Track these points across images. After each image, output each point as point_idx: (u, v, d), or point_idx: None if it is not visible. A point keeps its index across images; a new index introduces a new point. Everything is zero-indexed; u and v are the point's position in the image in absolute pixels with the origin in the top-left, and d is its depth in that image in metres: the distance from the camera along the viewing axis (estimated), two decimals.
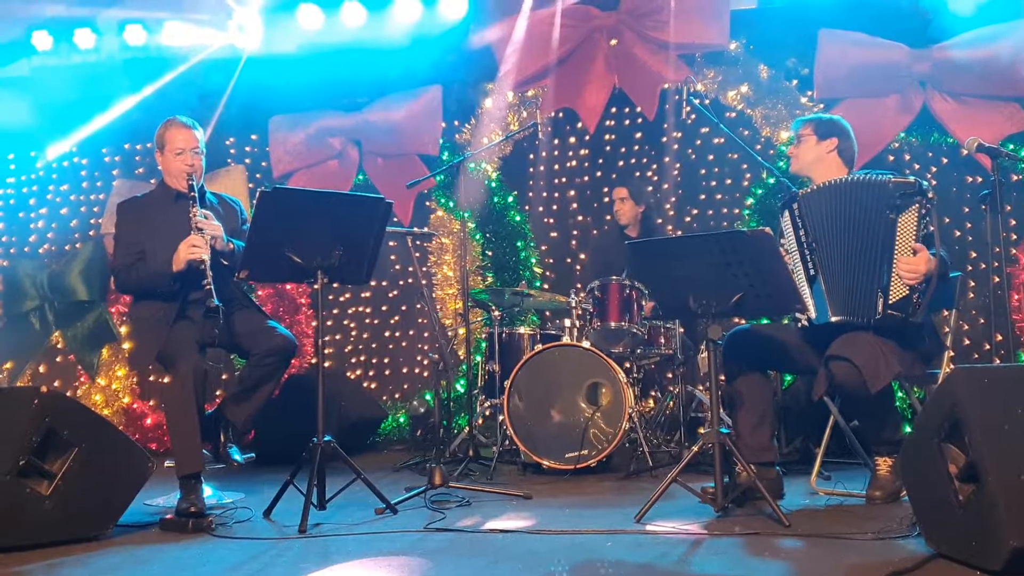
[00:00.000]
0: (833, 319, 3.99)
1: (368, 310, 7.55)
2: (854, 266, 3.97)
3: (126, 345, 7.20)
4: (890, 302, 3.89)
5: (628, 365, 5.64)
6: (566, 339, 5.54)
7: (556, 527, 3.76)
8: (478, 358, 6.36)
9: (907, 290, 3.88)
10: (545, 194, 7.38)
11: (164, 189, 4.59)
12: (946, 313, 4.54)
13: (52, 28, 7.30)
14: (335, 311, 7.50)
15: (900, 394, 5.76)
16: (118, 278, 4.49)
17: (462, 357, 6.71)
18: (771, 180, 6.57)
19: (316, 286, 4.14)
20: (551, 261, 7.39)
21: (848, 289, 3.98)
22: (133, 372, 7.31)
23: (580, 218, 7.41)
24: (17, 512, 3.55)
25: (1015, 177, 6.39)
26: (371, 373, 7.50)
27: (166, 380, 4.36)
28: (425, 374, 7.35)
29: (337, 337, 7.50)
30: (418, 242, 7.14)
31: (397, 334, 7.50)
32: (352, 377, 7.42)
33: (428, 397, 7.03)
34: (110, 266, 4.48)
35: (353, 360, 7.51)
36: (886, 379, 3.84)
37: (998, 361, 4.70)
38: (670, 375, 6.37)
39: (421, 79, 7.22)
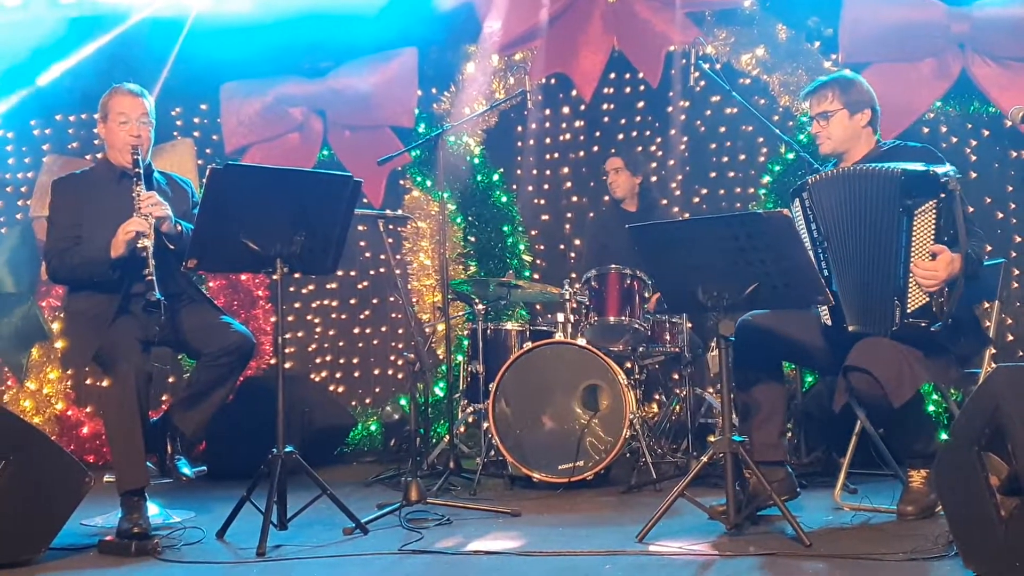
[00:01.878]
0: (849, 329, 3.99)
1: (334, 304, 7.55)
2: (867, 269, 3.95)
3: (59, 343, 7.18)
4: (908, 311, 3.87)
5: (629, 365, 5.66)
6: (559, 336, 5.55)
7: (548, 548, 3.77)
8: (459, 358, 6.36)
9: (927, 297, 3.85)
10: (535, 171, 7.38)
11: (106, 165, 4.61)
12: (987, 305, 4.57)
13: None
14: (297, 305, 7.50)
15: (935, 396, 5.80)
16: (50, 265, 4.49)
17: (441, 357, 6.72)
18: (790, 155, 6.58)
19: (275, 277, 4.15)
20: (542, 248, 7.39)
21: (862, 296, 3.97)
22: (67, 374, 7.29)
23: (575, 199, 7.42)
24: None
25: None
26: (338, 375, 7.50)
27: (105, 383, 4.36)
28: (399, 376, 7.35)
29: (299, 334, 7.49)
30: (391, 226, 7.14)
31: (368, 331, 7.50)
32: (317, 380, 7.42)
33: (403, 402, 7.03)
34: (42, 252, 4.48)
35: (318, 360, 7.51)
36: (911, 391, 3.87)
37: None
38: (676, 376, 6.40)
39: (394, 40, 7.19)
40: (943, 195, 3.82)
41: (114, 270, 4.31)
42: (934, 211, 3.83)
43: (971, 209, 4.15)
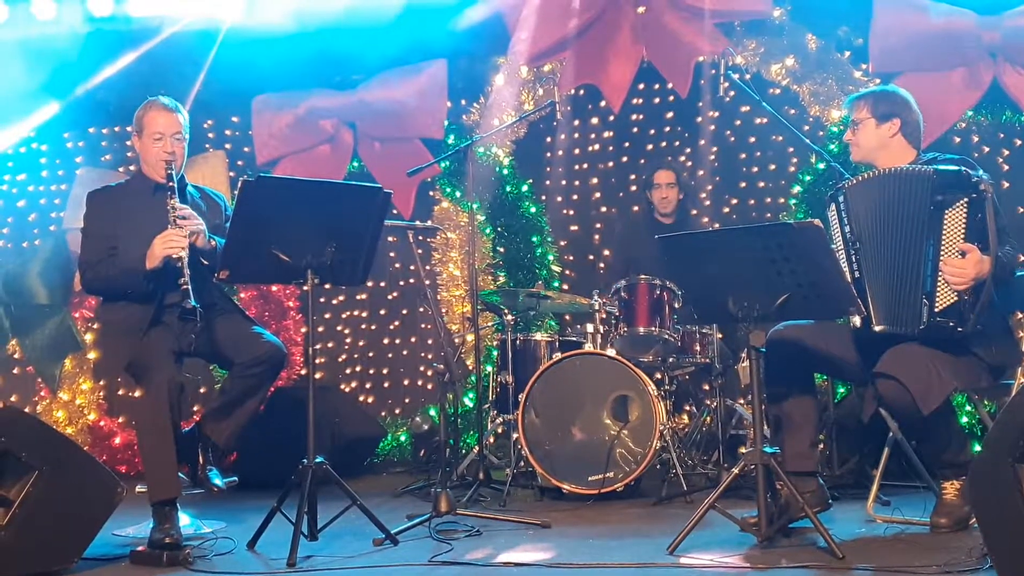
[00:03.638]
0: (876, 329, 3.98)
1: (364, 314, 7.56)
2: (897, 269, 3.95)
3: (92, 354, 7.22)
4: (936, 310, 3.86)
5: (659, 376, 5.64)
6: (588, 346, 5.54)
7: (578, 560, 3.76)
8: (489, 368, 6.36)
9: (955, 296, 3.85)
10: (564, 182, 7.37)
11: (141, 178, 4.66)
12: (1020, 316, 4.53)
13: None
14: (327, 316, 7.51)
15: (968, 408, 5.75)
16: (85, 276, 4.53)
17: (470, 367, 6.72)
18: (821, 165, 6.55)
19: (306, 287, 4.15)
20: (571, 258, 7.38)
21: (891, 295, 3.97)
22: (100, 384, 7.33)
23: (603, 209, 7.40)
24: None
25: None
26: (368, 386, 7.51)
27: (137, 394, 4.39)
28: (429, 387, 7.35)
29: (329, 345, 7.51)
30: (420, 237, 7.14)
31: (397, 341, 7.51)
32: (347, 390, 7.43)
33: (432, 413, 7.03)
34: (77, 262, 4.55)
35: (348, 371, 7.52)
36: (939, 398, 3.83)
37: None
38: (707, 387, 6.37)
39: (424, 53, 7.21)
40: (974, 195, 3.82)
41: (148, 282, 4.35)
42: (965, 209, 3.84)
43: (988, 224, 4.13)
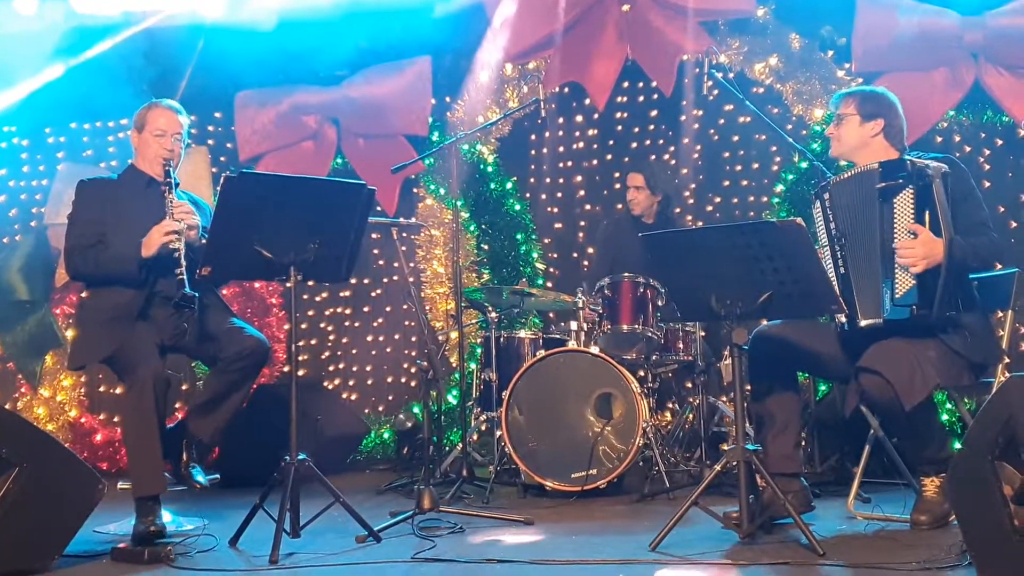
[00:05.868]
0: (862, 323, 4.02)
1: (348, 311, 7.56)
2: (872, 262, 4.02)
3: (69, 332, 7.14)
4: (896, 296, 3.93)
5: (642, 373, 5.66)
6: (572, 344, 5.55)
7: (561, 556, 3.77)
8: (472, 365, 6.37)
9: (913, 281, 3.91)
10: (548, 180, 7.39)
11: (133, 172, 4.69)
12: (1000, 314, 4.56)
13: None
14: (310, 313, 7.51)
15: (949, 405, 5.78)
16: (71, 260, 4.50)
17: (454, 364, 6.72)
18: (803, 164, 6.57)
19: (289, 284, 4.15)
20: (555, 256, 7.40)
21: (871, 287, 4.02)
22: (80, 380, 7.29)
23: (588, 207, 7.42)
24: None
25: None
26: (351, 383, 7.51)
27: (119, 390, 4.38)
28: (413, 384, 7.36)
29: (313, 342, 7.50)
30: (404, 234, 7.15)
31: (381, 339, 7.51)
32: (330, 387, 7.44)
33: (416, 410, 7.03)
34: (63, 249, 4.54)
35: (331, 368, 7.52)
36: (922, 394, 3.87)
37: None
38: (689, 384, 6.39)
39: (408, 49, 7.23)
40: (920, 182, 3.91)
41: (141, 270, 4.36)
42: (912, 196, 3.93)
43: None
